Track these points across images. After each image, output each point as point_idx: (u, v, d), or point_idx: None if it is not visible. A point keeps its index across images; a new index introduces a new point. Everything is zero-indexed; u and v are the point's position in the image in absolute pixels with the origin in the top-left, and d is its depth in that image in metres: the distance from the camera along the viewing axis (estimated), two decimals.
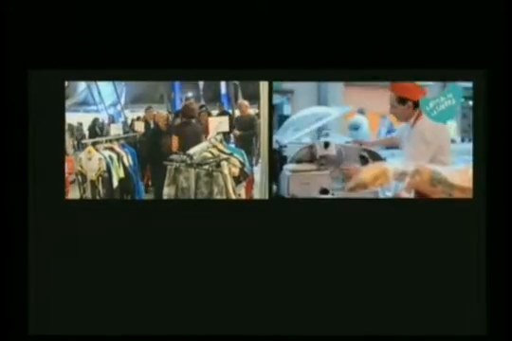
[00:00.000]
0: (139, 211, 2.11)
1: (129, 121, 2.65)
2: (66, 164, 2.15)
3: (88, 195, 2.34)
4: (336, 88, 2.76)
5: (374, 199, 2.20)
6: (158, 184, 2.37)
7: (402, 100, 2.29)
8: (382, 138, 2.73)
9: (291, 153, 2.47)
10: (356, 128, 2.73)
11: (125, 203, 2.26)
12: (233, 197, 2.32)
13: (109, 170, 2.39)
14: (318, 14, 2.11)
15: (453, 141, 2.40)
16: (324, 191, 2.31)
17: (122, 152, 2.47)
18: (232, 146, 2.53)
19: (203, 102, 2.62)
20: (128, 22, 2.12)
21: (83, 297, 2.10)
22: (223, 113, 2.67)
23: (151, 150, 2.53)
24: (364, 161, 2.46)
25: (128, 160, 2.47)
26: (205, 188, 2.31)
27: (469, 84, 2.17)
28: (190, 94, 2.62)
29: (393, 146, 2.57)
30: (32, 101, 2.09)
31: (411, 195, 2.21)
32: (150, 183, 2.57)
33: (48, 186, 2.09)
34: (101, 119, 2.59)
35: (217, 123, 2.47)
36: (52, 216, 2.09)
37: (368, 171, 2.26)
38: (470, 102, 2.22)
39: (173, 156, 2.36)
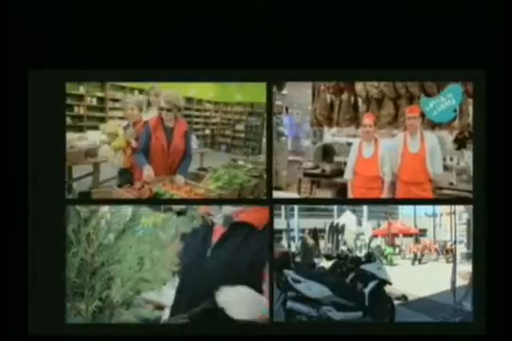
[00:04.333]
0: None
1: None
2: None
3: None
4: None
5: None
6: None
7: None
8: None
9: None
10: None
11: None
12: None
13: None
14: (318, 15, 2.11)
15: None
16: None
17: None
18: None
19: None
20: (128, 23, 2.12)
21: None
22: None
23: None
24: None
25: None
26: None
27: None
28: None
29: None
30: (32, 101, 2.09)
31: None
32: None
33: (48, 186, 2.09)
34: None
35: None
36: (52, 215, 2.09)
37: None
38: None
39: None
